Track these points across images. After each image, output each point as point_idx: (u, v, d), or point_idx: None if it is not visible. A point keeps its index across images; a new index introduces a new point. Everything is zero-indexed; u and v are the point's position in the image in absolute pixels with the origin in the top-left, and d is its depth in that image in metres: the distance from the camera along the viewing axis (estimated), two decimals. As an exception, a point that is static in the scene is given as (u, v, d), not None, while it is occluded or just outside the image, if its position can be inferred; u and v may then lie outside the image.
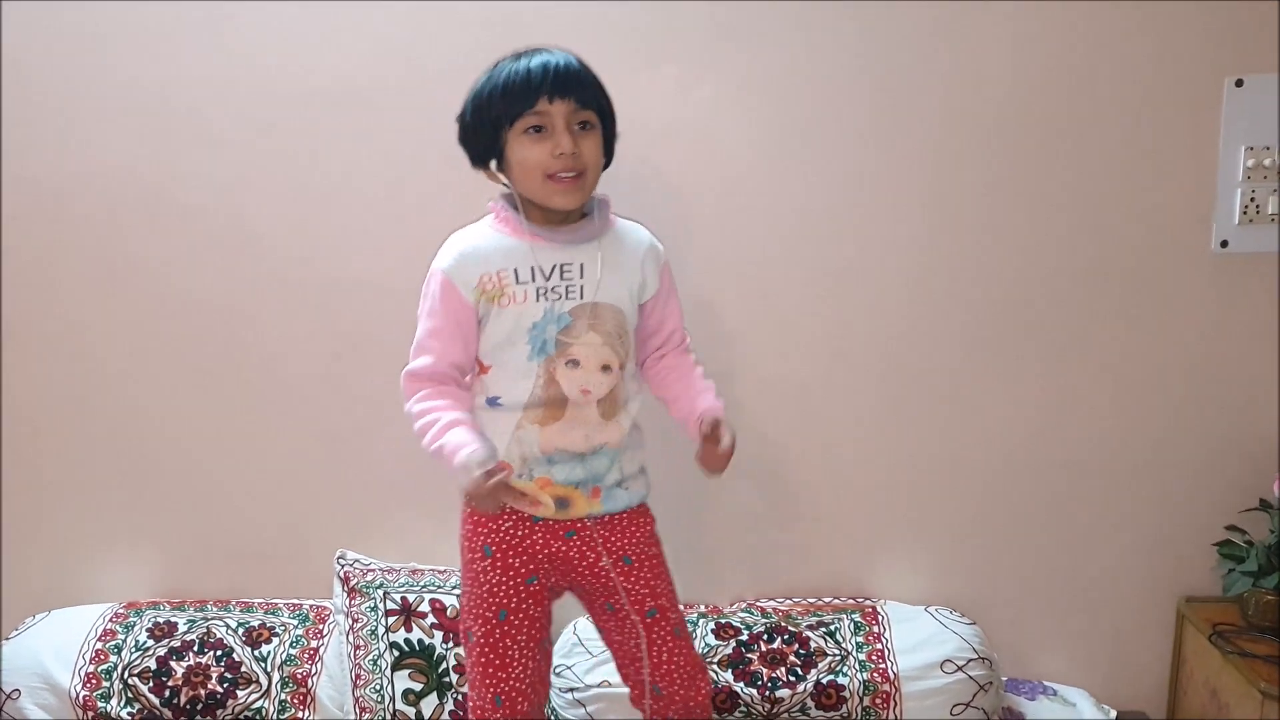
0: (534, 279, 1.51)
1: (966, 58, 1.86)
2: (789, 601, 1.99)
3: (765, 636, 1.90)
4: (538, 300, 1.51)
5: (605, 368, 1.53)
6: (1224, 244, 1.88)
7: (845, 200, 1.91)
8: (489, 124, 1.50)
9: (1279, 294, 1.89)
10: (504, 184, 1.55)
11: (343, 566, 1.95)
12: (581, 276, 1.52)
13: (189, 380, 1.99)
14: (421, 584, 1.93)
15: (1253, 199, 1.86)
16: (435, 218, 1.94)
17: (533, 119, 1.48)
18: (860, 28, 1.86)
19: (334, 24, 1.88)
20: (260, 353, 1.98)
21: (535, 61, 1.48)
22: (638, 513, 1.61)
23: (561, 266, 1.52)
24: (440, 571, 1.96)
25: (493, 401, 1.55)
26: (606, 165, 1.57)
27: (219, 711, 1.85)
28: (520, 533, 1.56)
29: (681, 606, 1.95)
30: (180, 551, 2.05)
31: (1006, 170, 1.89)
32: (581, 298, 1.52)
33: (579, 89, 1.49)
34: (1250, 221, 1.86)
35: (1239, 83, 1.83)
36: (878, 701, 1.82)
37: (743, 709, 1.84)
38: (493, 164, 1.55)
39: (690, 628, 1.92)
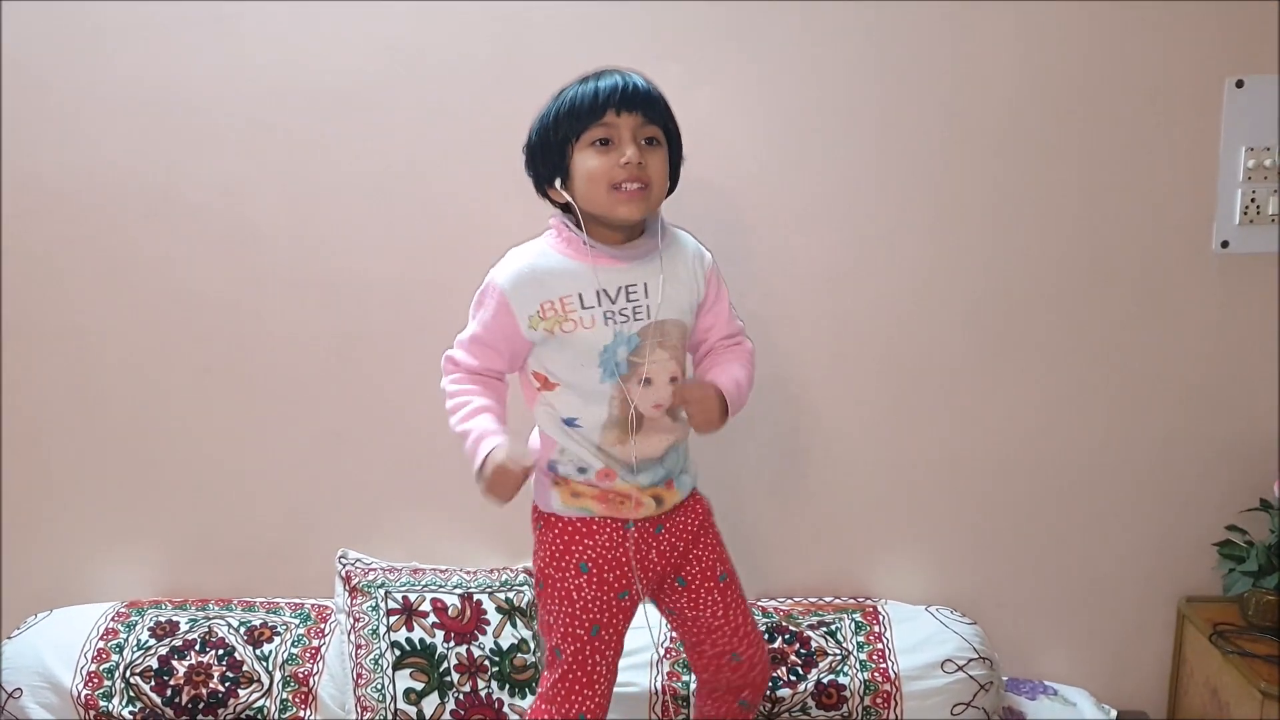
0: (600, 303, 1.50)
1: (968, 59, 1.86)
2: (790, 601, 1.99)
3: (766, 636, 1.90)
4: (606, 324, 1.51)
5: (673, 379, 1.55)
6: (1225, 244, 1.88)
7: (848, 201, 1.91)
8: (556, 143, 1.50)
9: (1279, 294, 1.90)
10: (567, 201, 1.53)
11: (344, 566, 1.95)
12: (646, 296, 1.52)
13: (191, 379, 2.00)
14: (423, 583, 1.93)
15: (1253, 199, 1.86)
16: (439, 217, 1.96)
17: (599, 131, 1.48)
18: (863, 29, 1.86)
19: (338, 23, 1.89)
20: (263, 351, 1.99)
21: (604, 81, 1.49)
22: (696, 492, 1.66)
23: (627, 288, 1.51)
24: (441, 571, 1.96)
25: (570, 423, 1.55)
26: (672, 189, 1.57)
27: (221, 710, 1.85)
28: (616, 543, 1.56)
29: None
30: (182, 551, 2.05)
31: (1008, 171, 1.89)
32: (649, 317, 1.52)
33: (646, 105, 1.49)
34: (1251, 222, 1.87)
35: (1239, 83, 1.84)
36: (878, 701, 1.83)
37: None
38: (557, 182, 1.53)
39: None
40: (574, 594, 1.56)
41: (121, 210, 1.95)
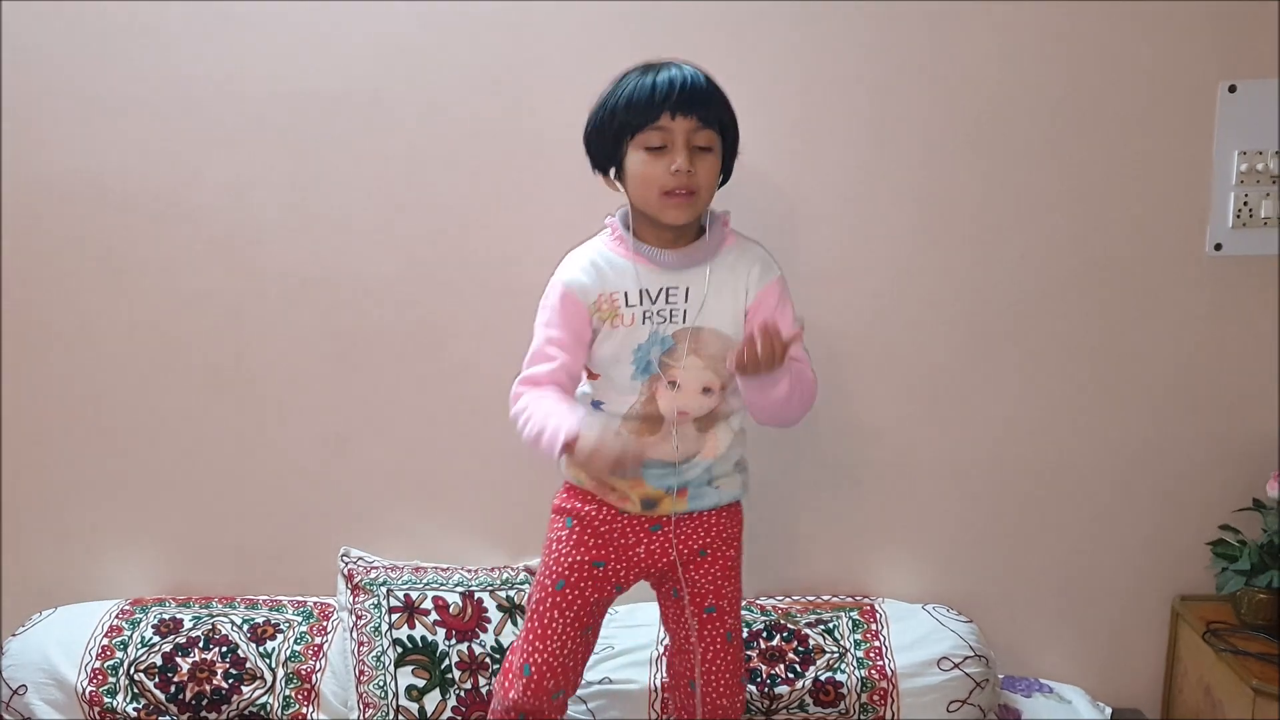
0: (641, 302, 1.53)
1: (961, 61, 1.88)
2: (788, 599, 2.00)
3: (764, 634, 1.91)
4: (643, 323, 1.54)
5: (706, 390, 1.56)
6: (1218, 247, 1.90)
7: (841, 202, 1.93)
8: (611, 134, 1.53)
9: (1276, 296, 1.91)
10: (619, 191, 1.57)
11: (346, 564, 1.96)
12: (686, 300, 1.54)
13: (195, 378, 2.01)
14: (425, 581, 1.95)
15: (1246, 203, 1.88)
16: (440, 218, 1.97)
17: (653, 134, 1.49)
18: (856, 33, 1.88)
19: (340, 26, 1.90)
20: (267, 351, 2.00)
21: (661, 76, 1.50)
22: (727, 512, 1.64)
23: (667, 290, 1.54)
24: (443, 569, 1.98)
25: (597, 405, 1.59)
26: (724, 182, 1.60)
27: (224, 707, 1.86)
28: (604, 517, 1.60)
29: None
30: (186, 549, 2.06)
31: (1002, 173, 1.91)
32: (684, 322, 1.54)
33: (702, 107, 1.50)
34: (1244, 225, 1.89)
35: (1232, 88, 1.86)
36: (875, 698, 1.84)
37: (742, 705, 1.85)
38: (611, 173, 1.57)
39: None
40: (554, 543, 1.61)
41: (123, 210, 1.96)
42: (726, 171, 1.59)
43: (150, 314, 1.99)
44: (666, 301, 1.54)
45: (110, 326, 2.00)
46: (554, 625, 1.59)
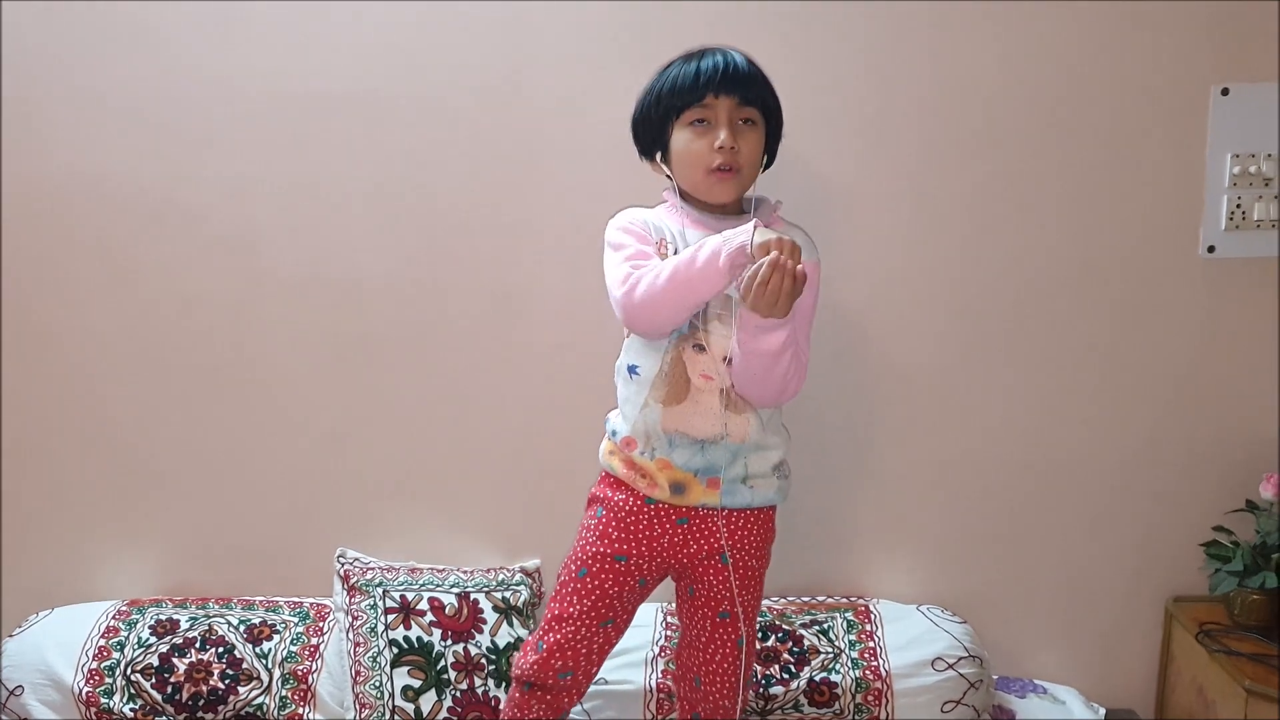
0: None
1: (955, 63, 1.89)
2: (783, 600, 2.01)
3: (760, 634, 1.92)
4: None
5: (729, 360, 1.55)
6: (1211, 249, 1.91)
7: (838, 203, 1.93)
8: (658, 117, 1.57)
9: (1269, 298, 1.92)
10: (667, 175, 1.61)
11: (343, 565, 1.97)
12: None
13: (192, 380, 2.01)
14: (420, 582, 1.95)
15: (1239, 205, 1.89)
16: (438, 220, 1.97)
17: (698, 112, 1.54)
18: (852, 35, 1.89)
19: (337, 27, 1.91)
20: (263, 353, 2.00)
21: (706, 60, 1.55)
22: (760, 516, 1.63)
23: None
24: (439, 570, 1.98)
25: (632, 369, 1.59)
26: (768, 165, 1.63)
27: (220, 707, 1.87)
28: (631, 509, 1.60)
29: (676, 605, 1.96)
30: (183, 550, 2.06)
31: (997, 176, 1.92)
32: (738, 278, 1.51)
33: (744, 87, 1.55)
34: (1236, 227, 1.89)
35: (1225, 91, 1.87)
36: (870, 699, 1.85)
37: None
38: (658, 156, 1.61)
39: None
40: (584, 531, 1.63)
41: (121, 212, 1.96)
42: (771, 154, 1.63)
43: (147, 314, 2.00)
44: None
45: (107, 327, 2.00)
46: (571, 609, 1.60)
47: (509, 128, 1.94)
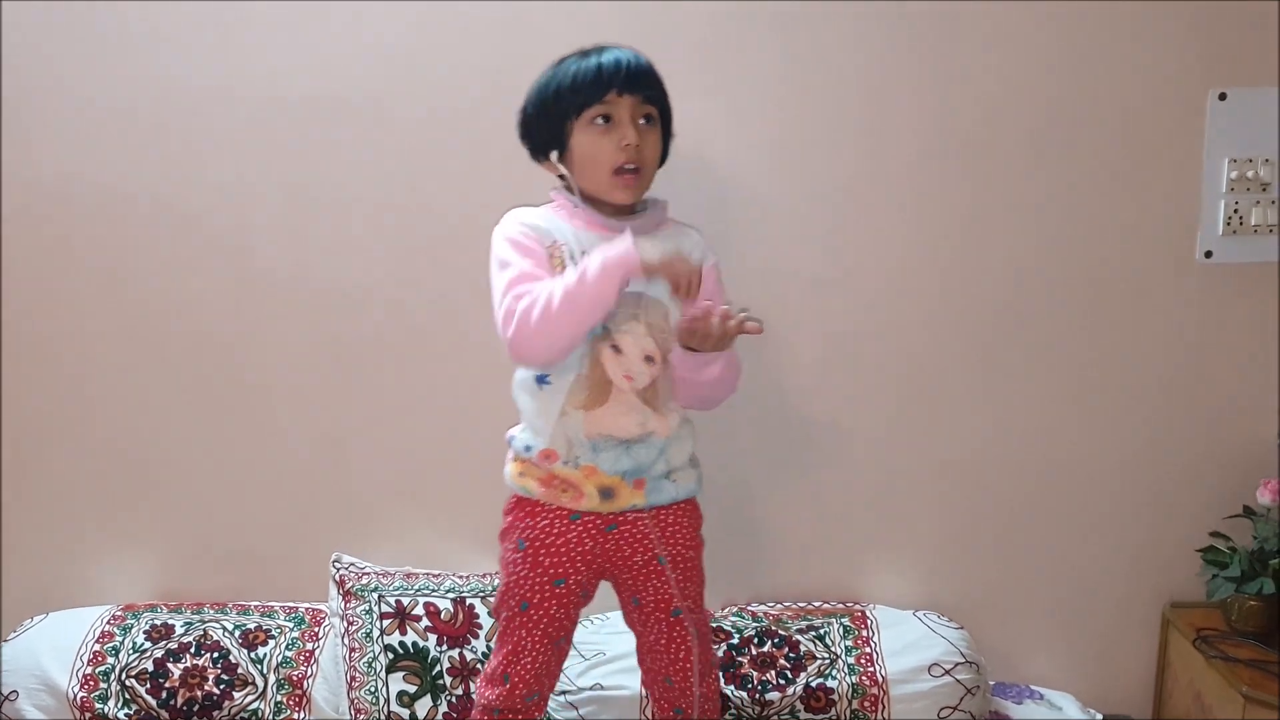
0: None
1: (952, 69, 1.88)
2: (779, 605, 2.00)
3: (756, 640, 1.92)
4: None
5: (648, 358, 1.53)
6: (1208, 254, 1.91)
7: (835, 209, 1.93)
8: (555, 116, 1.54)
9: (1266, 304, 1.92)
10: (562, 175, 1.58)
11: (338, 570, 1.96)
12: None
13: (186, 384, 2.01)
14: (416, 587, 1.95)
15: (1236, 210, 1.88)
16: (434, 224, 1.97)
17: (600, 110, 1.51)
18: (850, 40, 1.88)
19: (334, 31, 1.90)
20: (259, 357, 2.00)
21: (606, 57, 1.53)
22: (684, 509, 1.62)
23: None
24: (434, 575, 1.98)
25: (541, 380, 1.54)
26: (661, 163, 1.61)
27: (215, 713, 1.86)
28: (556, 531, 1.57)
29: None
30: (178, 555, 2.06)
31: (994, 181, 1.92)
32: (628, 286, 1.51)
33: (645, 85, 1.54)
34: (1234, 232, 1.89)
35: (1222, 96, 1.86)
36: (866, 705, 1.84)
37: (732, 712, 1.85)
38: (553, 155, 1.58)
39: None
40: (510, 566, 1.60)
41: (118, 215, 1.96)
42: (664, 153, 1.61)
43: (143, 319, 1.99)
44: None
45: (103, 331, 2.00)
46: (526, 643, 1.59)
47: (506, 132, 1.92)
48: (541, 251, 1.53)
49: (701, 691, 1.64)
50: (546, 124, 1.55)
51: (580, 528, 1.57)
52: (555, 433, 1.54)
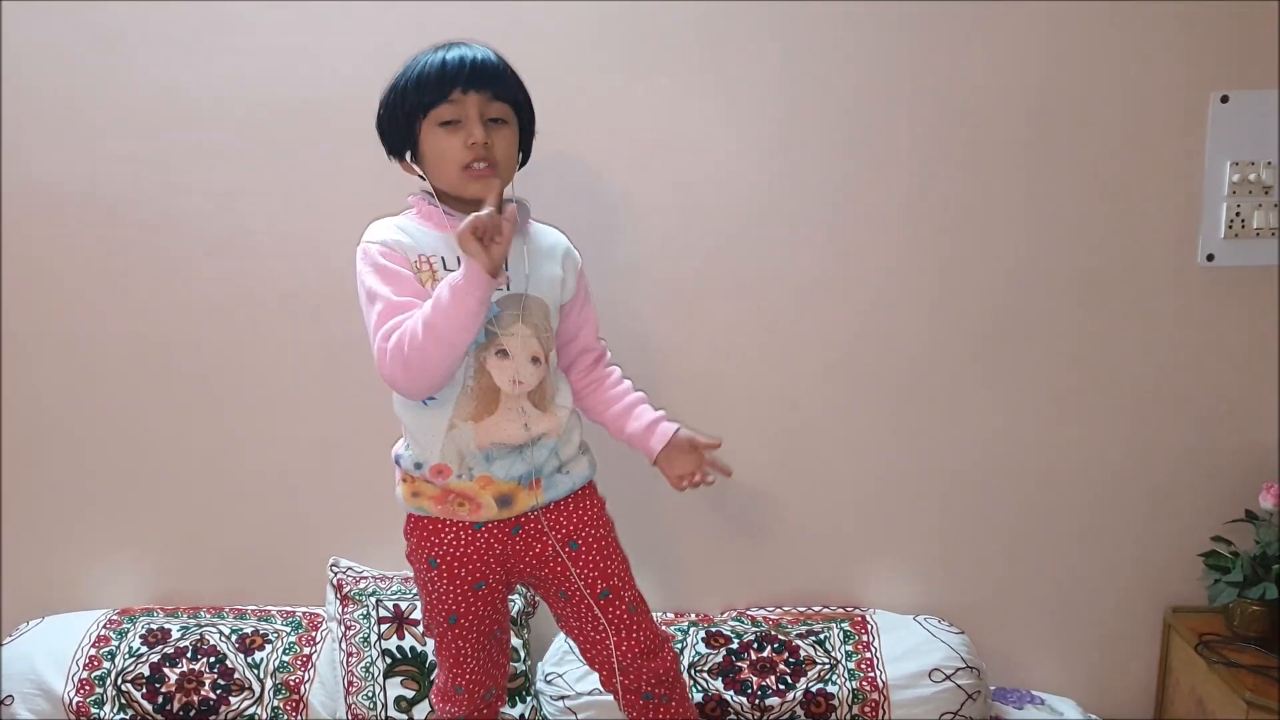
0: (458, 267, 1.45)
1: (950, 70, 1.88)
2: (779, 610, 2.00)
3: (755, 645, 1.91)
4: None
5: (534, 359, 1.52)
6: (1210, 257, 1.90)
7: (835, 212, 1.93)
8: (404, 115, 1.50)
9: (1268, 307, 1.91)
10: (419, 176, 1.55)
11: (335, 574, 1.96)
12: (507, 269, 1.49)
13: (184, 387, 2.00)
14: (414, 591, 1.93)
15: (1238, 213, 1.88)
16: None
17: (446, 110, 1.48)
18: (849, 44, 1.87)
19: (332, 34, 1.90)
20: (256, 359, 1.99)
21: (451, 54, 1.49)
22: (583, 494, 1.61)
23: None
24: (433, 579, 1.97)
25: (426, 400, 1.50)
26: (523, 163, 1.59)
27: (212, 718, 1.85)
28: (463, 541, 1.55)
29: (670, 614, 1.96)
30: (174, 558, 2.05)
31: (994, 183, 1.91)
32: (508, 289, 1.51)
33: (493, 82, 1.49)
34: (1236, 236, 1.89)
35: (1224, 99, 1.86)
36: (866, 710, 1.84)
37: (732, 717, 1.85)
38: (408, 156, 1.54)
39: (681, 636, 1.93)
40: (429, 585, 1.58)
41: (113, 219, 1.95)
42: (525, 151, 1.59)
43: (139, 322, 1.99)
44: None
45: (99, 334, 1.99)
46: (464, 651, 1.59)
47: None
48: (407, 272, 1.48)
49: (659, 664, 1.61)
50: (397, 124, 1.51)
51: (485, 535, 1.56)
52: (445, 447, 1.51)
